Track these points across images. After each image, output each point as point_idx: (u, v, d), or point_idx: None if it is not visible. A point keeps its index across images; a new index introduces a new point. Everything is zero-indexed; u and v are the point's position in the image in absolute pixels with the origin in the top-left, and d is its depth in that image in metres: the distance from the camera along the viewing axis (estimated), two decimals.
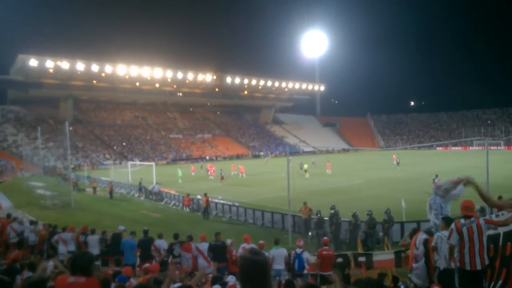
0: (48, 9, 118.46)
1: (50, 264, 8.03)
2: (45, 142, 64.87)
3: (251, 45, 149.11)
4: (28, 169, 54.02)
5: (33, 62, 66.23)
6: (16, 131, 70.95)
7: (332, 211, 15.24)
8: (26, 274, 7.07)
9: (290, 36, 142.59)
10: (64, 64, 69.62)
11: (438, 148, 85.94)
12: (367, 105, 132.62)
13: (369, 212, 14.36)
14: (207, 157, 75.88)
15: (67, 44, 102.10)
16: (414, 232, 10.01)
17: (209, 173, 40.72)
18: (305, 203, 16.93)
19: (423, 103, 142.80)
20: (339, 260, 9.96)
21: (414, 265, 8.08)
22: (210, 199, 22.75)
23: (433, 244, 7.42)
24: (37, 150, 60.76)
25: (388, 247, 12.15)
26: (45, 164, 59.80)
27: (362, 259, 10.39)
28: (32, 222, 15.07)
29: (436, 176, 13.48)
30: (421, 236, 8.42)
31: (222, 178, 36.51)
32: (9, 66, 73.11)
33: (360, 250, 12.48)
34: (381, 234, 14.14)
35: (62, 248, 12.64)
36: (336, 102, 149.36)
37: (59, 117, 77.81)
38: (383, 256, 10.51)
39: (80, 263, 4.26)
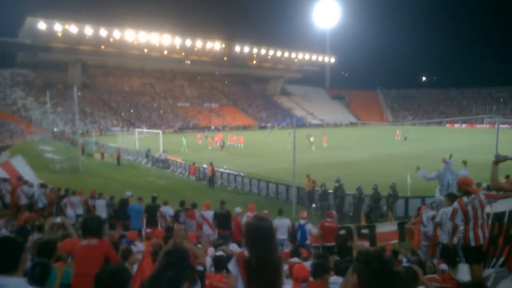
0: None
1: (58, 220, 8.19)
2: (53, 107, 65.23)
3: (261, 14, 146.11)
4: (37, 133, 54.64)
5: (41, 25, 65.65)
6: (25, 94, 71.26)
7: (337, 184, 15.32)
8: (36, 235, 7.25)
9: (301, 5, 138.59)
10: (73, 28, 68.98)
11: (447, 125, 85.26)
12: (377, 78, 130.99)
13: (374, 186, 14.41)
14: (213, 127, 75.92)
15: (76, 7, 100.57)
16: (419, 208, 10.12)
17: (208, 143, 41.85)
18: (308, 176, 17.01)
19: (434, 78, 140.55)
20: (342, 232, 10.08)
21: (424, 242, 8.22)
22: (215, 169, 22.96)
23: (437, 219, 7.52)
24: (46, 114, 61.17)
25: (391, 221, 12.31)
26: (54, 128, 60.35)
27: (365, 231, 10.53)
28: (42, 185, 15.34)
29: (451, 156, 13.45)
30: (428, 213, 8.49)
31: (222, 147, 38.10)
32: (18, 29, 72.52)
33: (363, 223, 12.64)
34: (385, 208, 14.26)
35: (70, 212, 12.97)
36: (346, 74, 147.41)
37: (68, 82, 77.86)
38: (386, 228, 10.65)
39: (91, 226, 4.42)
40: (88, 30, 70.41)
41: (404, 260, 6.97)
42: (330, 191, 15.53)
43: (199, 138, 45.29)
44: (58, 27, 67.50)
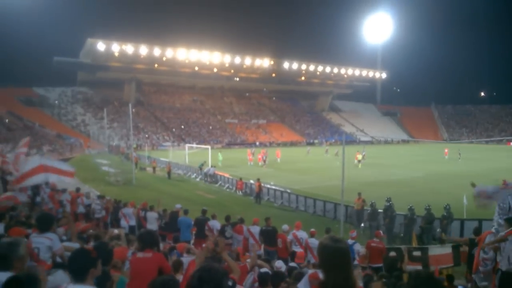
0: None
1: (116, 232, 8.62)
2: (110, 122, 68.63)
3: (310, 29, 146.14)
4: (94, 147, 57.61)
5: (100, 46, 69.87)
6: (84, 111, 75.71)
7: (387, 203, 14.88)
8: (92, 245, 7.63)
9: (352, 19, 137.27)
10: (129, 48, 72.75)
11: (508, 144, 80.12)
12: (431, 94, 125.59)
13: (427, 207, 13.82)
14: (257, 143, 76.29)
15: (131, 29, 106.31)
16: (477, 232, 9.51)
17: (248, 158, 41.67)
18: (359, 194, 16.65)
19: (494, 94, 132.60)
20: (392, 254, 9.76)
21: (481, 268, 7.78)
22: (262, 184, 23.07)
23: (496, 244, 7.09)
24: (103, 129, 64.53)
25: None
26: (110, 143, 63.36)
27: (417, 253, 10.10)
28: (99, 197, 16.14)
29: None
30: (490, 238, 8.02)
31: (264, 162, 39.04)
32: (79, 49, 77.73)
33: (415, 245, 12.15)
34: (438, 230, 13.61)
35: (123, 223, 13.55)
36: (398, 90, 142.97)
37: (123, 99, 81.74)
38: (440, 251, 10.15)
39: (147, 239, 4.69)
40: (143, 50, 73.96)
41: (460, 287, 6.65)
42: (380, 210, 15.10)
43: (250, 158, 42.13)
44: (115, 47, 71.52)
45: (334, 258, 2.38)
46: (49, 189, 16.69)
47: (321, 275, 2.50)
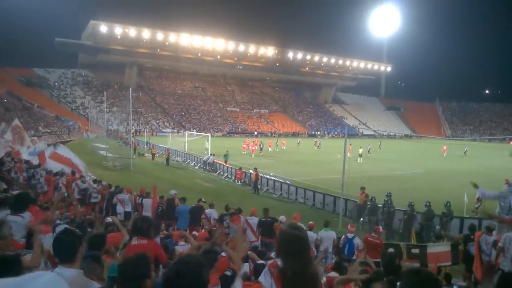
0: None
1: (109, 219, 8.41)
2: (109, 106, 68.31)
3: (316, 19, 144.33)
4: (93, 131, 57.38)
5: (103, 28, 69.38)
6: (84, 94, 75.39)
7: (386, 199, 14.68)
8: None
9: (358, 11, 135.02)
10: (131, 31, 72.25)
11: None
12: (436, 90, 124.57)
13: (428, 203, 13.60)
14: (255, 133, 75.99)
15: (135, 12, 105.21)
16: (472, 229, 9.40)
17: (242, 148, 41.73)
18: (363, 188, 16.38)
19: (499, 92, 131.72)
20: (390, 250, 9.53)
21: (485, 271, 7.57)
22: (260, 174, 22.84)
23: (500, 244, 6.87)
24: (102, 113, 64.18)
25: (445, 241, 11.52)
26: (109, 127, 63.12)
27: (415, 251, 9.91)
28: (95, 181, 15.92)
29: None
30: (488, 239, 7.79)
31: (261, 149, 40.61)
32: (81, 32, 77.13)
33: (414, 242, 11.95)
34: (438, 227, 13.40)
35: (119, 208, 13.36)
36: (403, 84, 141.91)
37: (124, 83, 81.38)
38: (439, 248, 9.98)
39: (142, 226, 4.52)
40: (146, 34, 73.43)
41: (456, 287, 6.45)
42: (380, 205, 14.88)
43: (244, 148, 42.22)
44: (118, 30, 71.01)
45: (292, 244, 2.36)
46: (45, 171, 16.48)
47: (280, 263, 2.45)
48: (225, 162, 30.11)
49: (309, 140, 60.03)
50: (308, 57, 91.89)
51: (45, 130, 47.45)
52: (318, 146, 49.38)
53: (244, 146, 41.86)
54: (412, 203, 14.10)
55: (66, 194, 12.92)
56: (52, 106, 64.36)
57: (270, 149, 44.88)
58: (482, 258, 7.74)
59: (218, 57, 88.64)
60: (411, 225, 13.61)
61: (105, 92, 60.42)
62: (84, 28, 75.21)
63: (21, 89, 65.79)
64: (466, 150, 44.42)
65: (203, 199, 13.03)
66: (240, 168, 25.51)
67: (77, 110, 69.25)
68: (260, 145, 42.01)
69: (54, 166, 17.33)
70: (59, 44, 76.10)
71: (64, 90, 74.87)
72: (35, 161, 18.52)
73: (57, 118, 59.27)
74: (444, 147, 45.81)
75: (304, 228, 2.60)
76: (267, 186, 22.80)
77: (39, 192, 13.60)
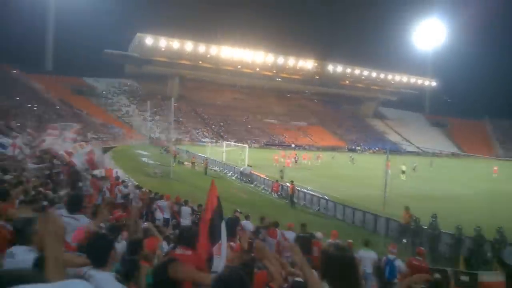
0: None
1: (145, 225, 8.46)
2: (152, 115, 70.35)
3: (357, 32, 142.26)
4: (136, 138, 59.03)
5: (148, 40, 71.95)
6: (129, 102, 78.21)
7: (432, 220, 13.97)
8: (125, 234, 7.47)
9: (402, 25, 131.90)
10: (175, 44, 74.49)
11: None
12: (485, 106, 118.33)
13: (477, 228, 12.77)
14: (293, 145, 75.43)
15: (179, 25, 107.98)
16: None
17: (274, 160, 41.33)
18: (407, 208, 15.73)
19: None
20: (436, 275, 8.99)
21: None
22: (297, 188, 22.53)
23: None
24: (145, 121, 66.13)
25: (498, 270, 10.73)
26: (151, 135, 64.81)
27: (465, 278, 9.26)
28: (137, 187, 16.24)
29: None
30: None
31: (296, 161, 40.92)
32: (128, 43, 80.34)
33: (462, 268, 11.24)
34: (489, 254, 12.52)
35: (158, 215, 13.57)
36: (449, 100, 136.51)
37: (166, 93, 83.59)
38: (492, 278, 9.27)
39: (187, 236, 4.47)
40: (188, 46, 75.46)
41: None
42: (424, 227, 14.20)
43: (276, 160, 41.56)
44: (162, 42, 73.43)
45: (339, 267, 2.20)
46: (91, 175, 17.00)
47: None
48: (281, 178, 27.77)
49: (347, 155, 58.86)
50: (349, 70, 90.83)
51: (92, 136, 49.35)
52: (352, 161, 48.44)
53: (276, 158, 41.50)
54: (460, 226, 13.33)
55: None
56: (99, 114, 67.05)
57: (305, 161, 44.57)
58: None
59: (257, 69, 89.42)
60: (459, 250, 12.84)
61: (148, 101, 62.39)
62: (131, 40, 78.30)
63: (72, 97, 69.08)
64: None
65: (239, 210, 12.95)
66: (277, 181, 25.30)
67: (122, 118, 71.79)
68: (295, 157, 41.83)
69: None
70: (108, 55, 79.59)
71: (110, 99, 78.03)
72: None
73: (103, 125, 61.57)
74: (495, 168, 43.28)
75: (351, 249, 2.37)
76: (304, 200, 22.44)
77: (85, 195, 14.01)
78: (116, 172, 19.46)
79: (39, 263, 2.63)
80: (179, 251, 4.46)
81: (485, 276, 9.15)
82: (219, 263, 4.28)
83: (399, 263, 9.35)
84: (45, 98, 62.24)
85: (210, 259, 4.34)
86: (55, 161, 18.23)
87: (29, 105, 55.07)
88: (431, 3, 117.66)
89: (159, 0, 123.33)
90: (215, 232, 4.65)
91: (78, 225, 5.11)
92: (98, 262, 2.94)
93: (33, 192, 9.51)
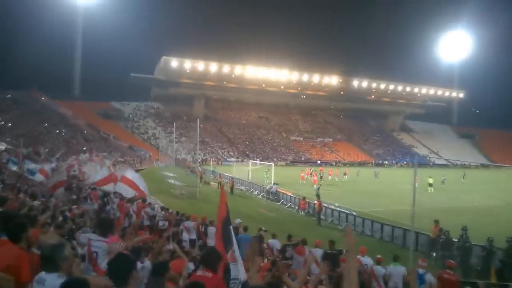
0: (189, 13, 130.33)
1: (170, 246, 8.59)
2: (178, 137, 71.38)
3: (381, 47, 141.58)
4: (162, 160, 60.00)
5: (173, 63, 73.90)
6: (155, 125, 79.78)
7: (462, 233, 13.61)
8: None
9: (427, 37, 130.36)
10: (200, 65, 76.09)
11: None
12: None
13: (509, 239, 12.39)
14: (318, 162, 74.84)
15: (203, 46, 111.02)
16: None
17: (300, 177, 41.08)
18: (436, 221, 15.40)
19: None
20: None
21: None
22: (324, 205, 22.36)
23: None
24: (171, 143, 67.20)
25: None
26: (177, 156, 65.73)
27: None
28: (163, 208, 16.48)
29: None
30: None
31: (321, 178, 39.85)
32: (154, 66, 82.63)
33: (494, 281, 10.89)
34: None
35: (185, 236, 13.67)
36: (477, 111, 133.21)
37: (192, 114, 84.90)
38: None
39: (210, 258, 4.52)
40: (213, 67, 76.94)
41: None
42: (454, 239, 13.85)
43: (303, 177, 41.31)
44: (187, 64, 75.20)
45: None
46: (118, 198, 17.41)
47: None
48: (318, 197, 25.36)
49: (372, 170, 57.96)
50: (374, 85, 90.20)
51: (119, 159, 50.53)
52: (377, 176, 47.79)
53: (303, 175, 41.34)
54: (491, 238, 12.94)
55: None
56: (126, 137, 68.76)
57: (330, 177, 44.30)
58: None
59: (282, 87, 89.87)
60: (490, 262, 12.45)
61: (174, 123, 63.43)
62: (156, 63, 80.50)
63: (99, 121, 71.28)
64: None
65: (263, 228, 12.96)
66: (304, 198, 25.15)
67: (149, 141, 73.25)
68: (320, 174, 41.43)
69: (123, 189, 18.09)
70: (134, 78, 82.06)
71: (137, 122, 79.92)
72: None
73: (130, 148, 63.03)
74: None
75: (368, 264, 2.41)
76: (332, 217, 22.21)
77: (113, 218, 14.35)
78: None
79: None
80: (200, 272, 4.53)
81: None
82: (238, 270, 4.34)
83: (429, 277, 9.20)
84: (73, 123, 64.47)
85: (226, 267, 4.40)
86: (82, 185, 18.78)
87: (57, 131, 56.98)
88: (455, 15, 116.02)
89: (184, 23, 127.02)
90: (227, 239, 4.72)
91: (108, 248, 5.29)
92: (119, 282, 2.97)
93: (60, 217, 9.87)
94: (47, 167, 20.13)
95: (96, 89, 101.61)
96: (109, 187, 18.05)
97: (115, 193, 18.09)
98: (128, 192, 17.74)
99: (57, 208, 12.69)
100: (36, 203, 11.44)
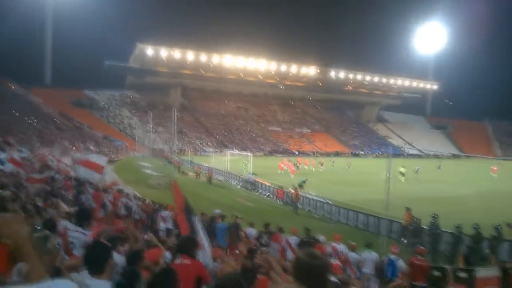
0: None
1: (145, 237, 8.62)
2: (155, 127, 70.57)
3: (359, 38, 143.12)
4: (139, 150, 59.31)
5: (149, 51, 72.60)
6: (131, 114, 78.55)
7: (433, 220, 14.10)
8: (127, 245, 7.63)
9: (403, 29, 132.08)
10: (176, 54, 75.01)
11: None
12: (485, 108, 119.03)
13: (476, 226, 12.92)
14: (297, 152, 75.53)
15: (180, 34, 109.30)
16: None
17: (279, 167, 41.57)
18: (408, 209, 15.86)
19: None
20: (436, 273, 9.11)
21: None
22: (300, 194, 22.65)
23: None
24: (148, 133, 66.44)
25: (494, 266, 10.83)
26: (154, 146, 65.03)
27: (463, 275, 9.37)
28: (138, 198, 16.38)
29: None
30: None
31: (297, 167, 40.58)
32: (129, 55, 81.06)
33: (461, 266, 11.36)
34: (487, 251, 12.63)
35: (162, 225, 13.70)
36: (450, 103, 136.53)
37: (169, 103, 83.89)
38: (488, 273, 9.37)
39: (187, 246, 4.56)
40: (190, 56, 75.98)
41: None
42: (424, 227, 14.32)
43: (281, 167, 41.93)
44: (163, 52, 74.03)
45: (308, 275, 2.20)
46: (93, 189, 17.18)
47: None
48: (300, 187, 25.64)
49: (352, 160, 58.85)
50: (351, 75, 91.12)
51: (94, 150, 49.65)
52: (349, 166, 48.48)
53: (282, 165, 41.72)
54: (460, 225, 13.45)
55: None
56: (101, 127, 67.44)
57: (306, 167, 44.95)
58: None
59: (261, 77, 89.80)
60: (458, 248, 12.97)
61: (151, 112, 62.65)
62: (131, 51, 78.96)
63: (73, 110, 69.59)
64: None
65: (239, 216, 13.05)
66: (282, 188, 25.41)
67: (125, 131, 72.11)
68: (296, 163, 42.13)
69: (82, 171, 17.73)
70: (108, 67, 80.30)
71: (112, 111, 78.49)
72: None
73: (105, 138, 61.93)
74: (495, 168, 43.30)
75: (323, 257, 2.45)
76: (309, 206, 22.55)
77: (90, 209, 14.17)
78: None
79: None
80: (178, 260, 4.57)
81: (482, 272, 9.25)
82: (205, 256, 4.41)
83: (401, 263, 9.52)
84: (45, 112, 62.80)
85: None
86: (57, 176, 18.40)
87: (29, 120, 55.46)
88: (431, 7, 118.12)
89: (159, 10, 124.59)
90: (192, 228, 4.77)
91: (86, 239, 5.24)
92: (95, 270, 2.94)
93: (31, 207, 9.69)
94: (16, 155, 19.59)
95: (68, 77, 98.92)
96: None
97: (90, 183, 17.84)
98: (80, 171, 17.38)
99: (29, 199, 12.46)
100: (6, 193, 11.18)
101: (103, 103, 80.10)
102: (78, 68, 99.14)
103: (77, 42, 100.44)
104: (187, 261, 4.47)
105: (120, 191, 17.08)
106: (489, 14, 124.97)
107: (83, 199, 16.70)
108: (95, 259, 3.01)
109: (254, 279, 3.92)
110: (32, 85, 71.94)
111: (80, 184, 18.41)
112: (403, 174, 36.12)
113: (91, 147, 50.65)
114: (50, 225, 6.41)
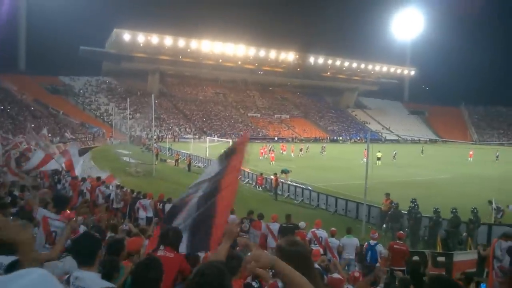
0: None
1: (125, 227, 8.48)
2: (133, 113, 69.31)
3: (337, 24, 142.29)
4: (116, 137, 58.31)
5: (126, 36, 70.95)
6: (108, 101, 76.93)
7: (412, 205, 14.32)
8: (109, 234, 7.46)
9: (381, 15, 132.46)
10: (154, 39, 73.59)
11: None
12: (461, 94, 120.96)
13: (454, 210, 13.17)
14: (276, 138, 75.74)
15: (157, 19, 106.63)
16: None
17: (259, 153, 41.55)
18: (387, 194, 16.06)
19: None
20: (415, 258, 9.29)
21: (498, 278, 7.26)
22: (280, 180, 22.72)
23: None
24: (126, 120, 65.19)
25: (472, 249, 11.15)
26: (132, 133, 63.98)
27: (441, 259, 9.61)
28: (118, 187, 16.11)
29: None
30: (504, 244, 7.51)
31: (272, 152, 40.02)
32: (105, 40, 78.94)
33: (439, 250, 11.62)
34: (464, 234, 12.95)
35: (142, 213, 13.56)
36: (427, 88, 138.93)
37: (147, 89, 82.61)
38: (465, 257, 9.64)
39: (172, 238, 4.33)
40: (168, 41, 74.65)
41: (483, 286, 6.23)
42: (403, 212, 14.55)
43: (261, 153, 41.91)
44: (141, 38, 72.48)
45: (291, 262, 2.08)
46: (70, 177, 16.79)
47: (280, 284, 2.29)
48: (284, 173, 25.85)
49: (329, 146, 59.33)
50: (330, 61, 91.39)
51: (71, 137, 48.57)
52: (322, 152, 47.73)
53: (262, 151, 41.76)
54: (438, 209, 13.69)
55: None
56: (77, 113, 65.96)
57: (284, 153, 45.13)
58: (494, 263, 7.40)
59: (239, 62, 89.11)
60: (436, 232, 13.21)
61: (128, 99, 61.36)
62: (108, 36, 76.94)
63: (48, 96, 67.79)
64: (498, 155, 43.18)
65: None
66: (261, 174, 25.40)
67: (101, 117, 70.64)
68: (271, 148, 42.37)
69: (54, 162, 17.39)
70: (84, 52, 78.04)
71: (88, 98, 76.65)
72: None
73: (82, 125, 60.63)
74: (471, 152, 44.44)
75: (303, 244, 2.37)
76: (288, 192, 22.64)
77: (67, 195, 13.87)
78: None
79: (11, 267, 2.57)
80: (161, 252, 4.33)
81: (460, 256, 9.50)
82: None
83: (380, 248, 9.63)
84: (19, 99, 60.97)
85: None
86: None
87: (2, 107, 53.92)
88: None
89: None
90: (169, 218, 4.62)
91: (65, 228, 5.13)
92: (86, 262, 2.93)
93: (7, 196, 9.38)
94: None
95: (43, 63, 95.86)
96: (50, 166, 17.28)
97: (67, 171, 17.43)
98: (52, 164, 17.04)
99: (4, 188, 12.09)
100: None
101: (79, 89, 78.13)
102: (53, 54, 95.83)
103: (52, 27, 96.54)
104: (170, 254, 4.24)
105: (98, 179, 16.74)
106: (466, 0, 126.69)
107: (60, 187, 16.40)
108: (85, 251, 2.99)
109: (239, 266, 3.78)
110: (6, 72, 69.28)
111: (56, 172, 18.03)
112: (379, 159, 36.69)
113: (67, 134, 49.49)
114: (27, 215, 6.20)
